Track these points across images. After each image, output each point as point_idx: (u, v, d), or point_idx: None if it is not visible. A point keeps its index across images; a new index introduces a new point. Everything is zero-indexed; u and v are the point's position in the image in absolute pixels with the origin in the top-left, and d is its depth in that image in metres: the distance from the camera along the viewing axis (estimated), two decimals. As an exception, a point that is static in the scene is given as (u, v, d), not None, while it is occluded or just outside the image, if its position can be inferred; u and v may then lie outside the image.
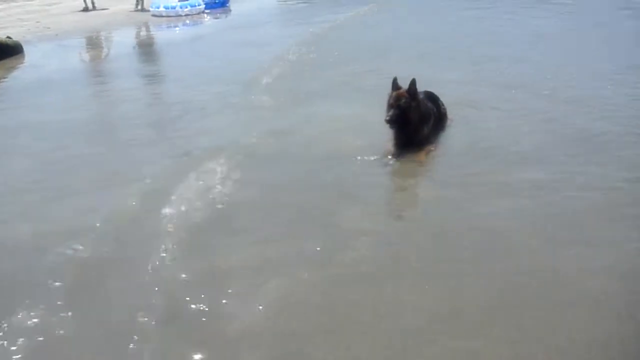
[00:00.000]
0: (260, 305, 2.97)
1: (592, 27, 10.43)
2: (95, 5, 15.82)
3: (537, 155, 4.78)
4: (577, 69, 7.52)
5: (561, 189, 4.15)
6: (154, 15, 14.71)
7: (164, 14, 14.63)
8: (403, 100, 4.67)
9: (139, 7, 15.41)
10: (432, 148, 4.91)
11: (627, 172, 4.34)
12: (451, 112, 5.53)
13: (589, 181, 4.24)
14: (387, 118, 4.65)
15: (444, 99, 5.51)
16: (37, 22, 13.79)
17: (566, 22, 11.12)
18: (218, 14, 15.16)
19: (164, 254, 3.49)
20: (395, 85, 4.76)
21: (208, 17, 14.73)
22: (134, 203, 4.22)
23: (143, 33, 13.08)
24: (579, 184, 4.23)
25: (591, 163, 4.56)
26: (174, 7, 14.76)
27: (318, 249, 3.51)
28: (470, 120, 5.65)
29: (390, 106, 4.68)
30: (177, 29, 13.48)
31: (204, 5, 15.27)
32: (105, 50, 11.68)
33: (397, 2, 14.37)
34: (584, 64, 7.83)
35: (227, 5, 16.20)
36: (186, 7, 14.86)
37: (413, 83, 4.73)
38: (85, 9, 15.67)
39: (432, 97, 5.26)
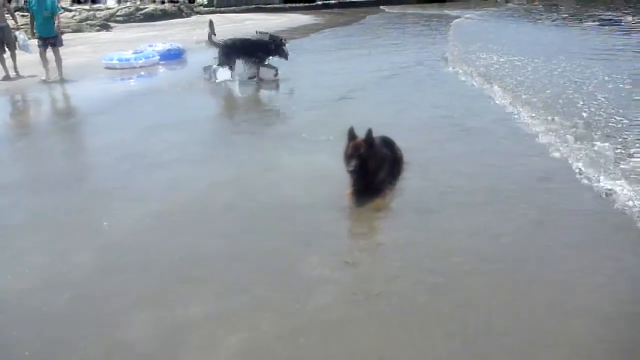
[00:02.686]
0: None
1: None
2: (19, 71, 13.22)
3: (492, 198, 4.91)
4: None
5: (514, 231, 4.27)
6: (107, 68, 14.64)
7: (117, 67, 14.57)
8: (362, 150, 4.76)
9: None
10: (390, 193, 4.99)
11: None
12: (407, 156, 5.64)
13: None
14: (351, 169, 4.74)
15: (401, 143, 5.62)
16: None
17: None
18: (174, 65, 15.21)
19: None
20: (351, 135, 4.86)
21: (163, 69, 14.76)
22: (86, 256, 4.13)
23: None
24: (530, 219, 4.37)
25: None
26: (128, 60, 14.73)
27: (279, 299, 3.49)
28: (427, 163, 5.78)
29: (350, 156, 4.77)
30: (131, 81, 13.43)
31: (158, 57, 15.31)
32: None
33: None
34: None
35: (182, 56, 16.31)
36: (140, 59, 14.86)
37: (370, 132, 4.84)
38: (6, 77, 12.87)
39: (387, 142, 5.36)
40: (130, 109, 9.87)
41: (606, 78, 9.51)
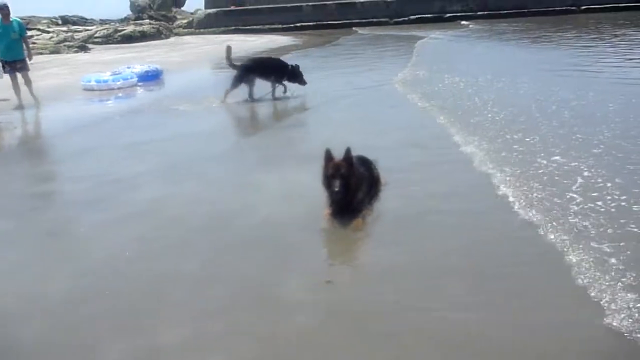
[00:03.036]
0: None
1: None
2: None
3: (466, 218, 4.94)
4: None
5: (494, 252, 4.29)
6: (85, 90, 14.55)
7: (95, 88, 14.50)
8: (343, 170, 4.77)
9: None
10: (368, 213, 4.99)
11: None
12: (385, 176, 5.66)
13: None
14: (336, 189, 4.72)
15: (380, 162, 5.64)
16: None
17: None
18: (152, 87, 15.18)
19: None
20: (329, 156, 4.86)
21: (141, 90, 14.71)
22: (60, 283, 4.05)
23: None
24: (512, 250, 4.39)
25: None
26: (105, 81, 14.67)
27: (257, 322, 3.45)
28: (405, 182, 5.80)
29: (332, 176, 4.77)
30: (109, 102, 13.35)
31: (136, 79, 15.27)
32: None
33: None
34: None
35: (161, 77, 16.29)
36: (118, 81, 14.80)
37: (348, 151, 4.85)
38: None
39: (364, 162, 5.38)
40: (106, 130, 9.81)
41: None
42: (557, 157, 6.13)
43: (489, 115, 8.57)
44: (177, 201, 5.73)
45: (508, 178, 5.62)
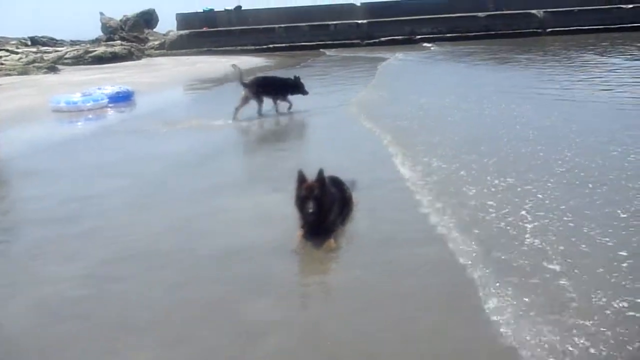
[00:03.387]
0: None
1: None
2: None
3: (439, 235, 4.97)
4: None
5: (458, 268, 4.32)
6: (54, 111, 14.35)
7: (64, 110, 14.30)
8: (316, 191, 4.78)
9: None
10: (339, 233, 4.99)
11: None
12: (357, 197, 5.68)
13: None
14: (310, 211, 4.72)
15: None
16: None
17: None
18: (123, 108, 15.05)
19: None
20: (301, 178, 4.87)
21: (112, 112, 14.57)
22: (24, 308, 3.94)
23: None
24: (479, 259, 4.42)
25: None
26: (75, 103, 14.48)
27: (227, 346, 3.40)
28: (376, 203, 5.82)
29: (306, 198, 4.77)
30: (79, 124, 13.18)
31: (107, 100, 15.13)
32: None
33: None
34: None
35: (132, 99, 16.18)
36: (89, 102, 14.63)
37: (321, 173, 4.87)
38: None
39: (336, 182, 5.39)
40: (74, 151, 9.67)
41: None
42: (511, 179, 6.22)
43: (439, 136, 8.69)
44: (144, 224, 5.65)
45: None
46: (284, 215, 5.09)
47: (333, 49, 38.84)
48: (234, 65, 12.12)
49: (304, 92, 12.28)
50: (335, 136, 9.95)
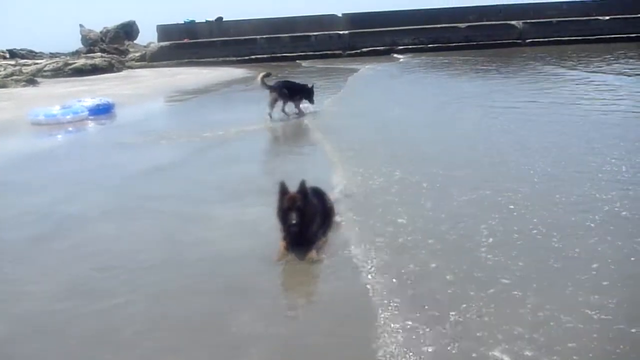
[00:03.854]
0: None
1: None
2: None
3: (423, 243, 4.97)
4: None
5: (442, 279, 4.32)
6: (33, 124, 14.15)
7: (43, 122, 14.11)
8: (299, 203, 4.77)
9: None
10: (322, 244, 4.97)
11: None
12: (338, 207, 5.67)
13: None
14: (293, 222, 4.71)
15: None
16: None
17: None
18: (103, 120, 14.91)
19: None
20: (283, 189, 4.86)
21: (92, 124, 14.43)
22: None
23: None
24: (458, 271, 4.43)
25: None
26: (54, 115, 14.29)
27: (210, 358, 3.36)
28: (356, 212, 5.81)
29: (289, 209, 4.76)
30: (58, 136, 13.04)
31: (87, 112, 14.96)
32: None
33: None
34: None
35: (112, 111, 16.03)
36: (68, 115, 14.45)
37: (303, 184, 4.88)
38: None
39: (317, 193, 5.37)
40: (52, 166, 9.53)
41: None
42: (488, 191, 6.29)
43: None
44: (126, 236, 5.60)
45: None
46: (265, 225, 5.05)
47: (309, 60, 38.91)
48: (263, 75, 12.93)
49: (312, 101, 13.15)
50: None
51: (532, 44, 38.94)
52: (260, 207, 5.88)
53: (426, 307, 3.83)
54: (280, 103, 12.85)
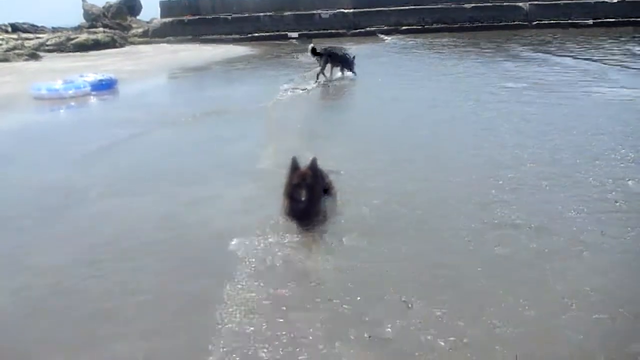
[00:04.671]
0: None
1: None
2: None
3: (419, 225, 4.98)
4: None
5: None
6: (35, 98, 14.12)
7: (46, 97, 14.08)
8: (309, 180, 4.78)
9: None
10: (323, 220, 4.99)
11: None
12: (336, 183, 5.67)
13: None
14: (303, 199, 4.73)
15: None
16: None
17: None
18: (105, 96, 14.85)
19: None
20: (294, 165, 4.87)
21: (94, 99, 14.38)
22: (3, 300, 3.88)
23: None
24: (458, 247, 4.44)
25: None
26: (56, 90, 14.25)
27: (211, 337, 3.38)
28: (357, 190, 5.81)
29: (298, 186, 4.76)
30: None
31: (89, 87, 14.91)
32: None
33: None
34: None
35: (115, 86, 15.96)
36: (70, 90, 14.41)
37: (314, 161, 4.92)
38: None
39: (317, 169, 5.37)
40: (56, 140, 9.53)
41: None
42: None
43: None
44: (127, 214, 5.59)
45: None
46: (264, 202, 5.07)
47: (299, 39, 38.56)
48: (311, 47, 14.69)
49: (353, 71, 14.67)
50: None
51: (539, 25, 38.52)
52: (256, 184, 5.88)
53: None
54: (329, 67, 14.48)
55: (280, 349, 3.23)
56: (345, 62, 14.74)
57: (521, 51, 20.52)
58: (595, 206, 5.16)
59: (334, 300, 3.74)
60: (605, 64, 15.73)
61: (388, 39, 34.24)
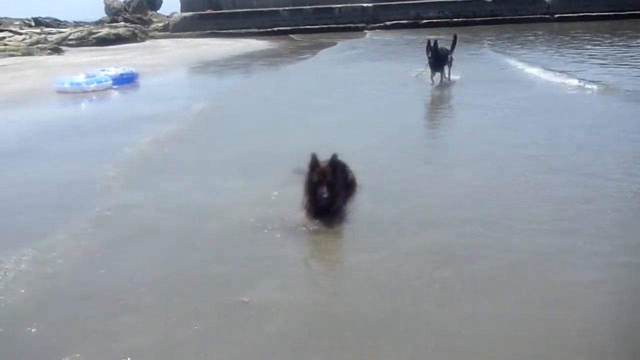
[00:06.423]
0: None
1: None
2: None
3: (442, 218, 4.98)
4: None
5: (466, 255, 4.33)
6: (58, 92, 14.33)
7: (69, 91, 14.28)
8: (329, 177, 4.79)
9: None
10: (344, 215, 4.99)
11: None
12: (359, 178, 5.67)
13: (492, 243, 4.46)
14: (325, 196, 4.73)
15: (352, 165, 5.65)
16: None
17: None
18: (127, 90, 15.01)
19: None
20: (315, 162, 4.85)
21: (116, 93, 14.55)
22: (23, 288, 3.98)
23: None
24: (484, 244, 4.42)
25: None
26: (79, 84, 14.45)
27: (231, 327, 3.40)
28: (378, 186, 5.81)
29: (319, 184, 4.76)
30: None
31: (111, 81, 15.08)
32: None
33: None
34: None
35: (136, 80, 16.13)
36: (92, 84, 14.60)
37: (335, 157, 4.90)
38: None
39: (339, 165, 5.36)
40: (78, 133, 9.62)
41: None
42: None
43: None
44: (146, 206, 5.62)
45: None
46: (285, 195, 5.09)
47: (300, 34, 38.61)
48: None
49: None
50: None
51: (561, 19, 37.93)
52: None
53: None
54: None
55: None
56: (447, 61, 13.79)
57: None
58: None
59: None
60: None
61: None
